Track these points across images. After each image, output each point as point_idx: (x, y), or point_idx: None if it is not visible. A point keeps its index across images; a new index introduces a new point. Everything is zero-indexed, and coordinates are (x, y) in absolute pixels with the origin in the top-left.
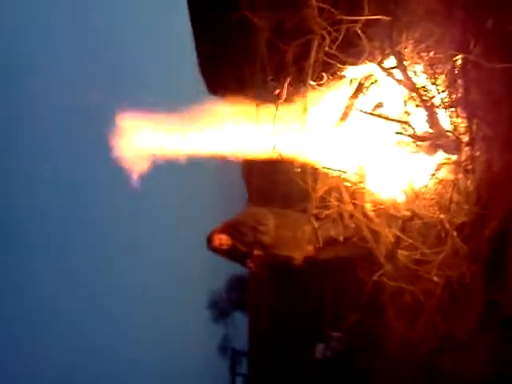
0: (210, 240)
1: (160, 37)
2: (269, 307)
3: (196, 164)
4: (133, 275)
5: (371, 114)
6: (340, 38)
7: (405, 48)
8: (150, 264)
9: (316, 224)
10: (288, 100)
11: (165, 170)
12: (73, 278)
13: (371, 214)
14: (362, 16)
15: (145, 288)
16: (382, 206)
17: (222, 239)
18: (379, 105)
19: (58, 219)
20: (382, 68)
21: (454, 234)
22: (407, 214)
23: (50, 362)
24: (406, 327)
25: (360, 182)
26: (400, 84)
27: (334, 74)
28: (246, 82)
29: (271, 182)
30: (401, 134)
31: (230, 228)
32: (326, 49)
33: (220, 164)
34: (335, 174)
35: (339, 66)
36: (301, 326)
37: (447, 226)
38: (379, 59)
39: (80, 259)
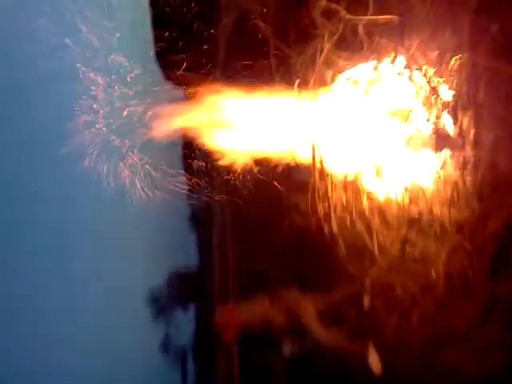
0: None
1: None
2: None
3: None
4: (67, 271)
5: (380, 112)
6: (346, 38)
7: (411, 48)
8: (85, 259)
9: None
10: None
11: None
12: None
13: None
14: (367, 15)
15: (80, 283)
16: (382, 203)
17: None
18: (389, 103)
19: None
20: (393, 67)
21: (457, 230)
22: (413, 210)
23: None
24: (399, 320)
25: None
26: (409, 82)
27: (340, 74)
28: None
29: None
30: (409, 131)
31: None
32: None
33: None
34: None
35: (345, 65)
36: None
37: (449, 222)
38: (391, 58)
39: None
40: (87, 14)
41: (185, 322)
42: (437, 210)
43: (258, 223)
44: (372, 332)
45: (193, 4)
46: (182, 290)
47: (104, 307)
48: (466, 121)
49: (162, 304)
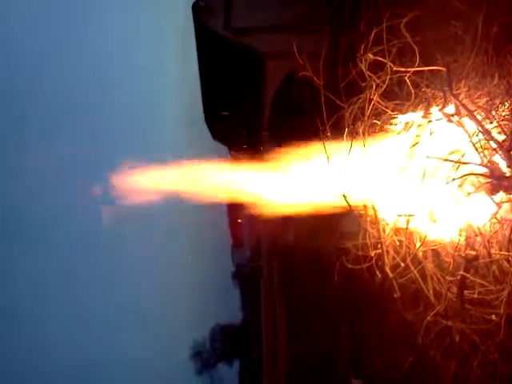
0: None
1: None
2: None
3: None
4: (116, 325)
5: (432, 157)
6: (393, 88)
7: (460, 96)
8: (133, 314)
9: None
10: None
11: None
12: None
13: (421, 254)
14: (414, 65)
15: (128, 337)
16: (435, 247)
17: None
18: (440, 149)
19: None
20: (444, 114)
21: None
22: (471, 253)
23: None
24: (459, 368)
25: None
26: (460, 128)
27: (389, 123)
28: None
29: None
30: (463, 175)
31: None
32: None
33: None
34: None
35: (393, 114)
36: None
37: (507, 264)
38: (440, 107)
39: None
40: None
41: (229, 376)
42: (494, 251)
43: (307, 272)
44: (430, 380)
45: None
46: (227, 345)
47: (150, 359)
48: None
49: (205, 358)
